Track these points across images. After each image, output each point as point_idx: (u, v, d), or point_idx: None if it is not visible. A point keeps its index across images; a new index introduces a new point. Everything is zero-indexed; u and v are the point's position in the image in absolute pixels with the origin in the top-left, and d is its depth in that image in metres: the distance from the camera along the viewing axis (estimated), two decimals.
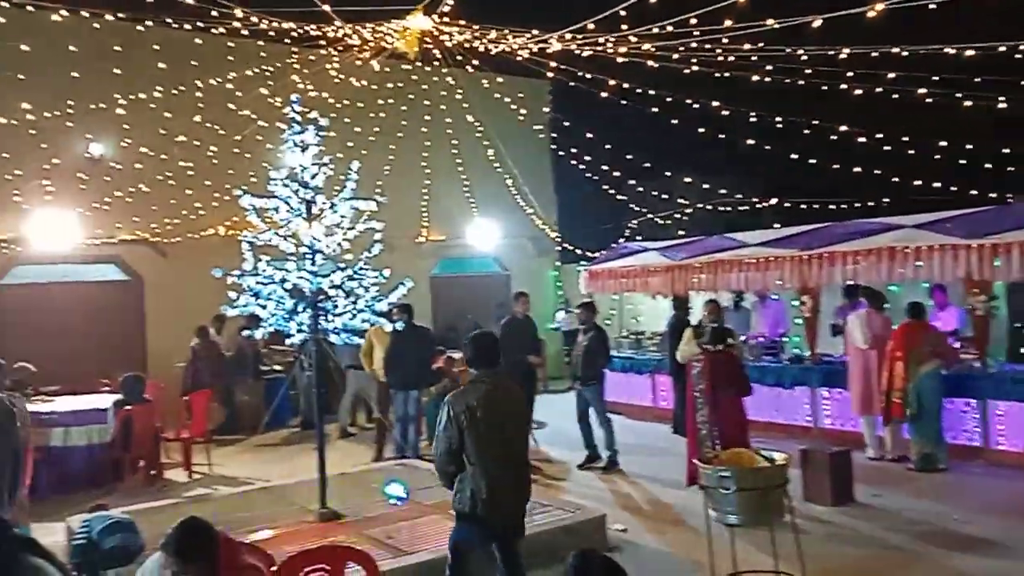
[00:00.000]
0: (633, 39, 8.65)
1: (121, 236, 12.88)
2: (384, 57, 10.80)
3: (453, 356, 11.85)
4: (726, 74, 9.43)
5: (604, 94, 10.79)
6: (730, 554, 5.35)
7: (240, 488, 8.72)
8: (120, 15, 8.87)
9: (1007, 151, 10.45)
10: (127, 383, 9.21)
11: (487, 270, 17.41)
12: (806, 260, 10.11)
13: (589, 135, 13.97)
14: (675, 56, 8.96)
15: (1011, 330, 10.85)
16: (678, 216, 16.01)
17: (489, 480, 4.50)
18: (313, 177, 6.94)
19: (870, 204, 12.47)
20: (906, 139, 10.44)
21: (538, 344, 9.62)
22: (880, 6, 6.46)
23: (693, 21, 7.60)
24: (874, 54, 8.04)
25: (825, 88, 9.04)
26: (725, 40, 8.16)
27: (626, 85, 10.55)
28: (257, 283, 6.89)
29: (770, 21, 7.22)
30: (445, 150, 15.07)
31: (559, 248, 17.51)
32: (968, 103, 8.42)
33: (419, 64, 11.55)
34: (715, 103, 10.37)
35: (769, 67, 8.92)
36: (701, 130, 11.54)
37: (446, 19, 9.02)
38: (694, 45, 8.49)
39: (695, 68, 9.37)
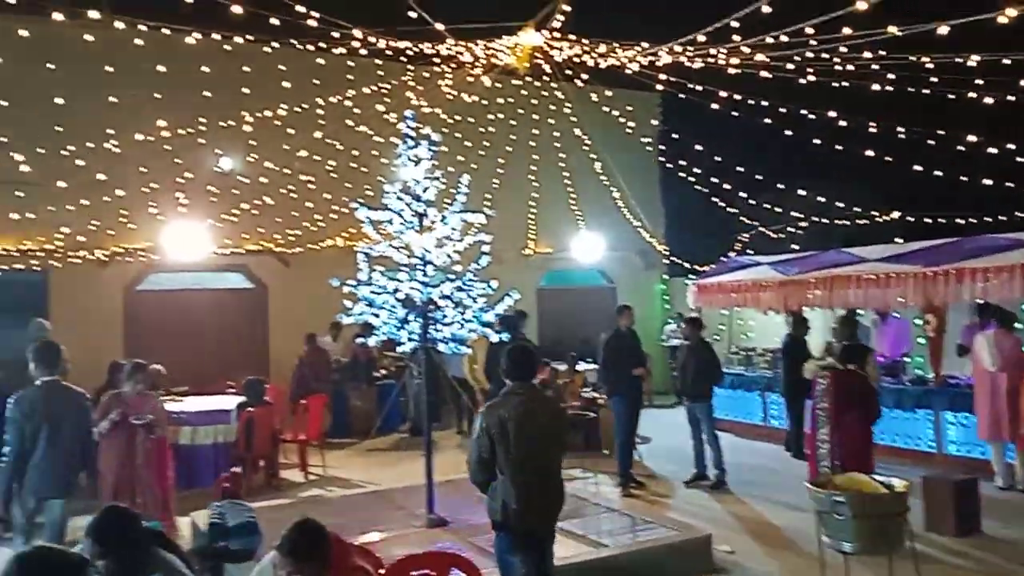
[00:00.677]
0: (746, 49, 8.50)
1: (247, 246, 13.66)
2: (495, 73, 11.01)
3: (557, 368, 11.92)
4: (844, 84, 9.12)
5: (715, 106, 10.64)
6: None
7: (352, 491, 9.04)
8: (249, 38, 9.38)
9: None
10: (249, 386, 9.71)
11: (593, 283, 17.39)
12: (931, 277, 9.61)
13: (698, 147, 13.77)
14: (790, 66, 8.75)
15: None
16: (791, 230, 15.53)
17: (519, 490, 4.55)
18: (425, 190, 7.15)
19: (1001, 218, 11.74)
20: None
21: (642, 358, 9.54)
22: (1011, 11, 6.11)
23: (810, 30, 7.39)
24: (1006, 60, 7.60)
25: (952, 97, 8.60)
26: (844, 49, 7.91)
27: (737, 96, 10.37)
28: (371, 292, 7.14)
29: (892, 29, 6.94)
30: (553, 163, 15.19)
31: (667, 261, 17.29)
32: None
33: (529, 79, 11.71)
34: (832, 113, 10.04)
35: (891, 76, 8.57)
36: (817, 141, 11.19)
37: (556, 34, 9.11)
38: (810, 55, 8.26)
39: (811, 78, 9.11)
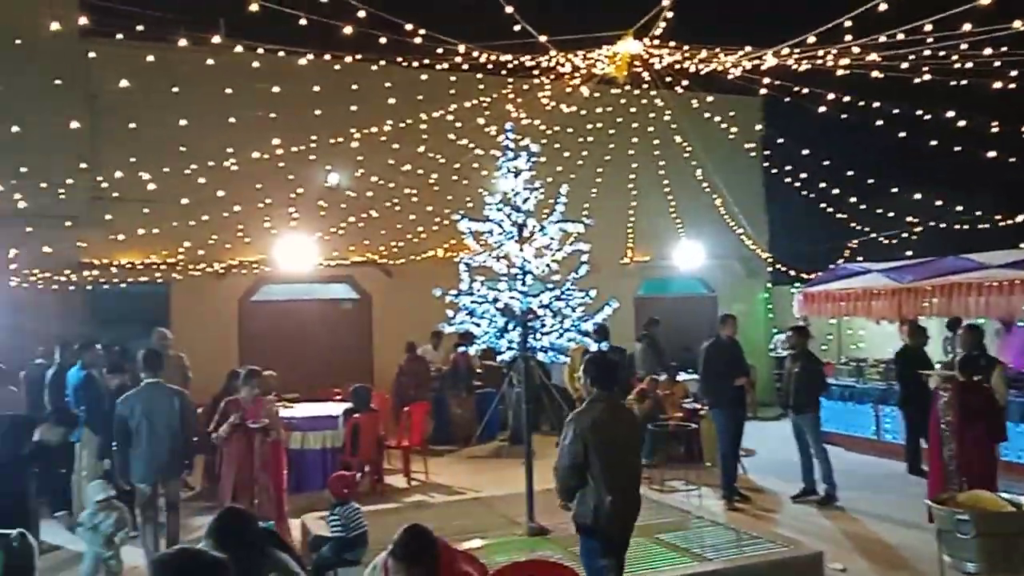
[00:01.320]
0: (856, 49, 8.21)
1: (353, 258, 14.14)
2: (594, 83, 11.01)
3: (656, 377, 11.77)
4: (963, 82, 8.68)
5: (822, 108, 10.32)
6: None
7: (453, 497, 9.19)
8: (358, 57, 9.71)
9: None
10: (356, 393, 10.02)
11: (693, 291, 17.10)
12: None
13: (805, 151, 13.36)
14: (904, 65, 8.39)
15: None
16: (905, 235, 14.83)
17: (612, 495, 4.69)
18: (525, 201, 7.22)
19: None
20: None
21: (745, 368, 9.31)
22: None
23: (928, 27, 7.08)
24: None
25: None
26: (964, 46, 7.54)
27: (847, 98, 10.02)
28: (472, 302, 7.25)
29: (1017, 23, 6.58)
30: (652, 171, 15.06)
31: (770, 269, 16.83)
32: None
33: (628, 88, 11.66)
34: (950, 113, 9.56)
35: (1014, 72, 8.10)
36: (933, 143, 10.67)
37: (656, 41, 9.04)
38: (927, 53, 7.91)
39: (927, 77, 8.71)
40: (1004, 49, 7.51)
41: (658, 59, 9.74)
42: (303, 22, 7.24)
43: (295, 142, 11.65)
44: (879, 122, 10.50)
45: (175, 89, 11.51)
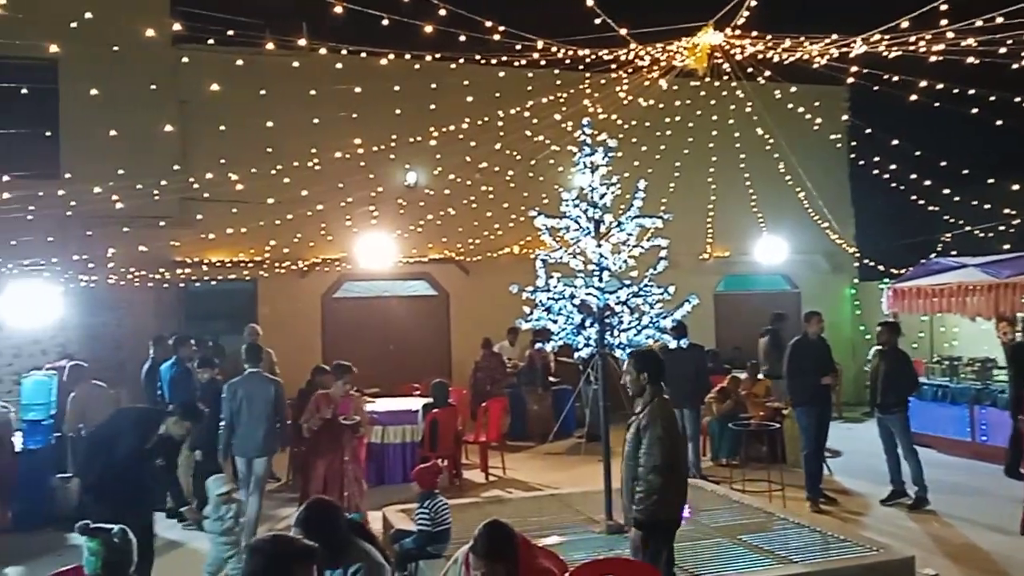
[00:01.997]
0: (950, 34, 7.86)
1: (431, 255, 14.33)
2: (672, 75, 10.86)
3: (738, 376, 11.54)
4: None
5: (913, 96, 9.92)
6: None
7: (530, 493, 9.22)
8: (438, 56, 9.83)
9: None
10: (435, 388, 10.15)
11: (775, 287, 16.68)
12: None
13: (894, 141, 12.86)
14: (1002, 50, 7.99)
15: None
16: (1002, 228, 14.12)
17: (685, 487, 4.98)
18: (602, 197, 7.17)
19: None
20: None
21: (832, 366, 9.03)
22: None
23: None
24: None
25: None
26: None
27: (940, 85, 9.60)
28: (548, 299, 7.25)
29: None
30: (732, 165, 14.78)
31: (857, 264, 16.29)
32: None
33: (707, 79, 11.45)
34: None
35: None
36: None
37: (738, 31, 8.85)
38: None
39: None
40: None
41: (739, 50, 9.54)
42: (385, 22, 7.36)
43: (376, 141, 11.87)
44: (974, 110, 10.04)
45: (262, 92, 11.88)
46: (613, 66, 10.11)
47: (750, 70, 10.47)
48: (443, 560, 5.42)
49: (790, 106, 12.83)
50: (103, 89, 10.25)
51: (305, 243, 13.33)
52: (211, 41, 9.06)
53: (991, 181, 13.11)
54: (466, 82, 11.85)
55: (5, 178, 10.13)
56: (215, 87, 10.19)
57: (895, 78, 9.71)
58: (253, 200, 11.78)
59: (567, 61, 9.91)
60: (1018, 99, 9.51)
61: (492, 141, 12.23)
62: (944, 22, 7.43)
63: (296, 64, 10.17)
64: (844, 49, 9.13)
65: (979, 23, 7.17)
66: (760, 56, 9.79)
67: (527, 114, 11.63)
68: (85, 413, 8.67)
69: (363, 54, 9.65)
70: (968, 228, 14.43)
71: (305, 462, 8.03)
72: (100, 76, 10.72)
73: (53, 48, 8.98)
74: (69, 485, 8.65)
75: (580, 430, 12.95)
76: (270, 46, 8.35)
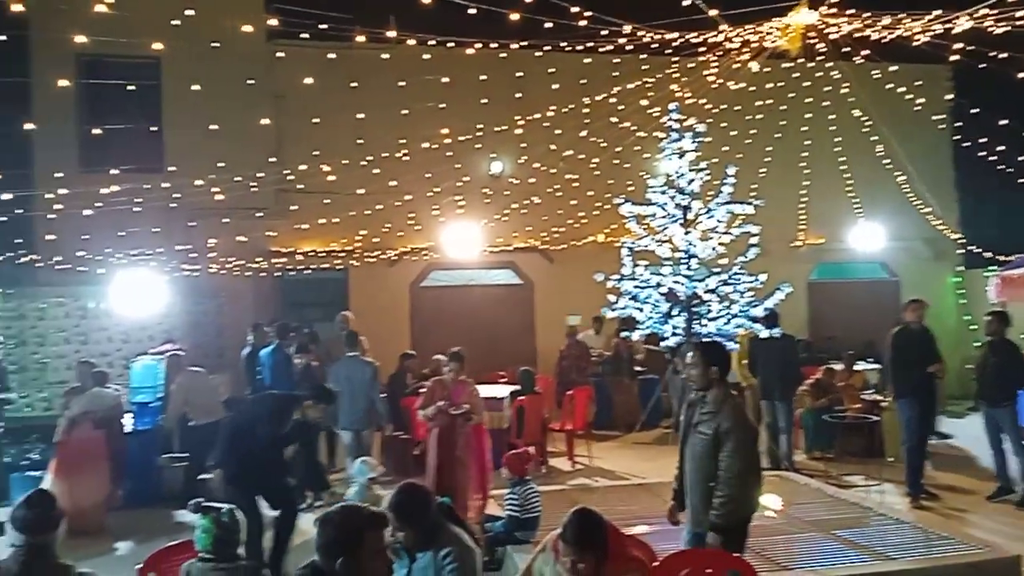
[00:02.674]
0: None
1: (516, 244, 14.41)
2: (764, 57, 10.55)
3: (834, 367, 11.17)
4: None
5: (1022, 75, 9.34)
6: None
7: (617, 482, 9.19)
8: (523, 43, 9.83)
9: None
10: (522, 376, 10.21)
11: (872, 276, 16.07)
12: None
13: (1003, 122, 12.15)
14: None
15: None
16: None
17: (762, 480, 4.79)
18: (689, 183, 7.09)
19: None
20: None
21: (939, 355, 8.63)
22: None
23: None
24: None
25: None
26: None
27: None
28: (634, 287, 7.22)
29: None
30: (827, 149, 14.31)
31: (961, 251, 15.52)
32: None
33: (801, 61, 11.08)
34: None
35: None
36: None
37: (833, 10, 8.53)
38: None
39: None
40: None
41: (835, 29, 9.18)
42: (472, 11, 7.41)
43: (462, 131, 11.97)
44: None
45: (353, 84, 12.14)
46: (702, 49, 9.89)
47: (846, 49, 10.07)
48: (531, 546, 5.47)
49: (889, 86, 12.28)
50: (203, 85, 10.67)
51: (394, 233, 13.59)
52: (305, 36, 9.30)
53: None
54: (551, 69, 11.82)
55: (114, 172, 10.68)
56: (309, 81, 10.47)
57: (1003, 55, 9.18)
58: (344, 191, 12.07)
59: (654, 45, 9.74)
60: None
61: (577, 128, 12.16)
62: None
63: (385, 56, 10.34)
64: (948, 25, 8.68)
65: None
66: (857, 35, 9.41)
67: (613, 100, 11.51)
68: (188, 399, 9.03)
69: (450, 44, 9.72)
70: None
71: (421, 454, 8.15)
72: (200, 72, 11.16)
73: (156, 46, 9.39)
74: (175, 465, 9.11)
75: (667, 420, 12.81)
76: (360, 39, 8.51)
